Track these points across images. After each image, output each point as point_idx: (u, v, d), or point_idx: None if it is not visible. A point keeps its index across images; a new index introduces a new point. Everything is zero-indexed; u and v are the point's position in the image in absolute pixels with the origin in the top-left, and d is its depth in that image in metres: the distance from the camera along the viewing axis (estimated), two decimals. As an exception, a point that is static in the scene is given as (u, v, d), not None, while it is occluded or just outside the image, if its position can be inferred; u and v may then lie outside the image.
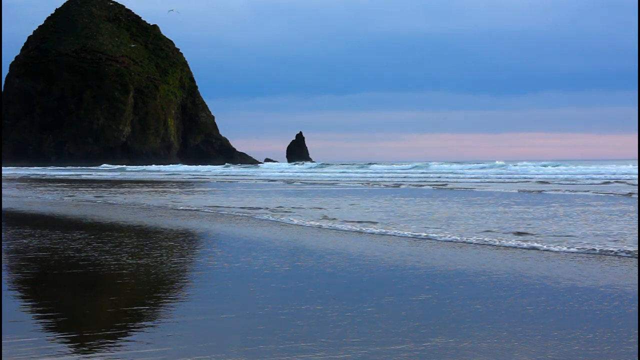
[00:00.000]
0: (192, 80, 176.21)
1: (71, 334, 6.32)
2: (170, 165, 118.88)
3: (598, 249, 11.32)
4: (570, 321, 6.82)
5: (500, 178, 48.06)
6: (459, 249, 11.69)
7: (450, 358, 5.68)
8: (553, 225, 15.22)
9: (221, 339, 6.16)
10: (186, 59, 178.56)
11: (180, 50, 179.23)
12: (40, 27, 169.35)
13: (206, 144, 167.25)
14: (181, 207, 21.43)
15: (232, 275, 9.41)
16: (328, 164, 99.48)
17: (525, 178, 46.98)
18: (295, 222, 16.35)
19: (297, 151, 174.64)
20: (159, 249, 11.89)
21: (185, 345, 5.95)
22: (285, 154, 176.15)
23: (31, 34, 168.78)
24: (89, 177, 66.90)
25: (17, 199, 27.34)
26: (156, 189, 36.11)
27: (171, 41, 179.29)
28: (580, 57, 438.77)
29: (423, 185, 38.19)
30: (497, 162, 72.90)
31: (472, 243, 12.35)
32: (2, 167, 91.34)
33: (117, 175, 71.02)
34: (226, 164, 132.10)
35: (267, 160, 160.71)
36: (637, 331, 6.38)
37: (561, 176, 47.47)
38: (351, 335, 6.24)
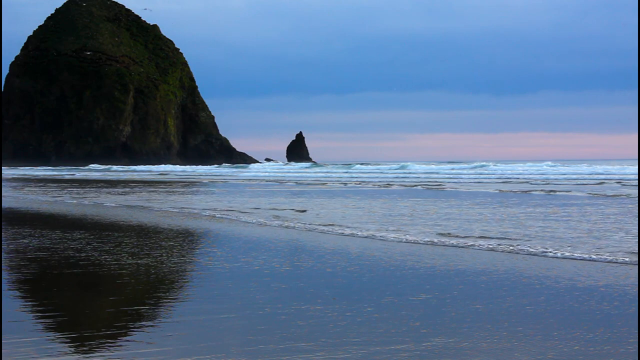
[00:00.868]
0: (192, 80, 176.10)
1: (71, 334, 6.31)
2: (162, 165, 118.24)
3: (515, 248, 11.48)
4: (570, 321, 6.82)
5: (477, 178, 48.18)
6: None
7: (450, 358, 5.68)
8: (503, 225, 15.23)
9: (221, 339, 6.15)
10: (186, 59, 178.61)
11: (180, 50, 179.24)
12: (40, 27, 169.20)
13: (206, 144, 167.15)
14: (111, 204, 21.44)
15: (233, 275, 9.41)
16: (319, 165, 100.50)
17: (507, 178, 47.12)
18: (244, 220, 16.83)
19: (297, 151, 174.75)
20: (159, 249, 11.89)
21: (185, 345, 5.94)
22: (285, 154, 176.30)
23: (31, 34, 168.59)
24: (71, 177, 66.97)
25: None
26: (121, 189, 36.15)
27: (171, 41, 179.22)
28: (580, 57, 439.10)
29: (392, 186, 38.58)
30: (477, 162, 73.52)
31: (411, 242, 12.59)
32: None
33: (93, 175, 71.19)
34: (224, 164, 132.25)
35: (267, 160, 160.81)
36: (637, 331, 6.38)
37: (538, 176, 47.49)
38: (351, 335, 6.24)
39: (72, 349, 5.83)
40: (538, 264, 10.12)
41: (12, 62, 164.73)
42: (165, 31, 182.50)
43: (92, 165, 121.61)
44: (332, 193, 31.12)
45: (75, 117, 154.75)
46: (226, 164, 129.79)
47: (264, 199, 26.25)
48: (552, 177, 46.84)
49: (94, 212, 20.17)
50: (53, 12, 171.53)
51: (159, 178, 61.15)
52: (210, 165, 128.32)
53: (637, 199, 23.76)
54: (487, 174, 53.39)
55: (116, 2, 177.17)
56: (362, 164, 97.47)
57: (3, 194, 30.38)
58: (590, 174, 48.22)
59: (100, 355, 5.67)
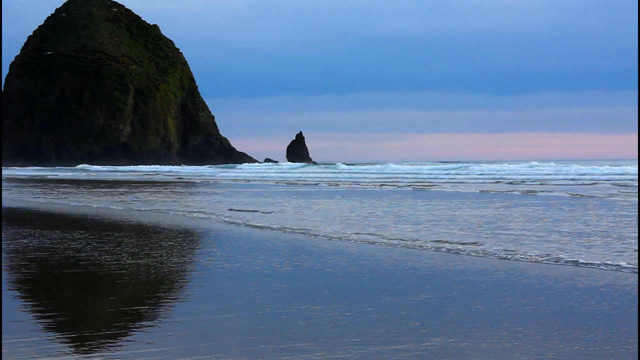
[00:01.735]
0: (192, 80, 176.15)
1: (71, 334, 6.31)
2: (155, 166, 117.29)
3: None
4: (570, 321, 6.82)
5: (455, 179, 48.03)
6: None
7: (450, 358, 5.68)
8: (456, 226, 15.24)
9: (221, 339, 6.16)
10: (186, 59, 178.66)
11: (180, 50, 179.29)
12: (40, 27, 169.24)
13: (206, 144, 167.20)
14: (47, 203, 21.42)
15: (232, 275, 9.41)
16: (311, 165, 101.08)
17: (494, 178, 46.99)
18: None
19: (297, 151, 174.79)
20: (159, 248, 11.90)
21: (185, 345, 5.95)
22: (285, 154, 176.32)
23: (31, 34, 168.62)
24: (52, 176, 66.84)
25: None
26: (86, 189, 36.15)
27: (171, 41, 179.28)
28: (580, 57, 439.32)
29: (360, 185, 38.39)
30: (457, 162, 73.91)
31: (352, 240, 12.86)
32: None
33: (65, 175, 71.25)
34: (222, 165, 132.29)
35: (267, 160, 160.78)
36: (637, 331, 6.39)
37: (519, 177, 47.18)
38: (351, 335, 6.24)
39: (72, 349, 5.83)
40: (538, 263, 10.12)
41: (12, 62, 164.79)
42: (165, 31, 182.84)
43: (82, 166, 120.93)
44: (297, 193, 31.06)
45: (75, 117, 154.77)
46: (220, 165, 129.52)
47: (232, 199, 26.00)
48: (532, 177, 46.33)
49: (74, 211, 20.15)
50: (53, 12, 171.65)
51: (145, 178, 60.65)
52: (209, 165, 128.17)
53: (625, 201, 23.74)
54: (465, 175, 52.80)
55: (116, 2, 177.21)
56: (347, 164, 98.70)
57: (3, 194, 30.37)
58: (592, 175, 47.67)
59: (100, 355, 5.67)
